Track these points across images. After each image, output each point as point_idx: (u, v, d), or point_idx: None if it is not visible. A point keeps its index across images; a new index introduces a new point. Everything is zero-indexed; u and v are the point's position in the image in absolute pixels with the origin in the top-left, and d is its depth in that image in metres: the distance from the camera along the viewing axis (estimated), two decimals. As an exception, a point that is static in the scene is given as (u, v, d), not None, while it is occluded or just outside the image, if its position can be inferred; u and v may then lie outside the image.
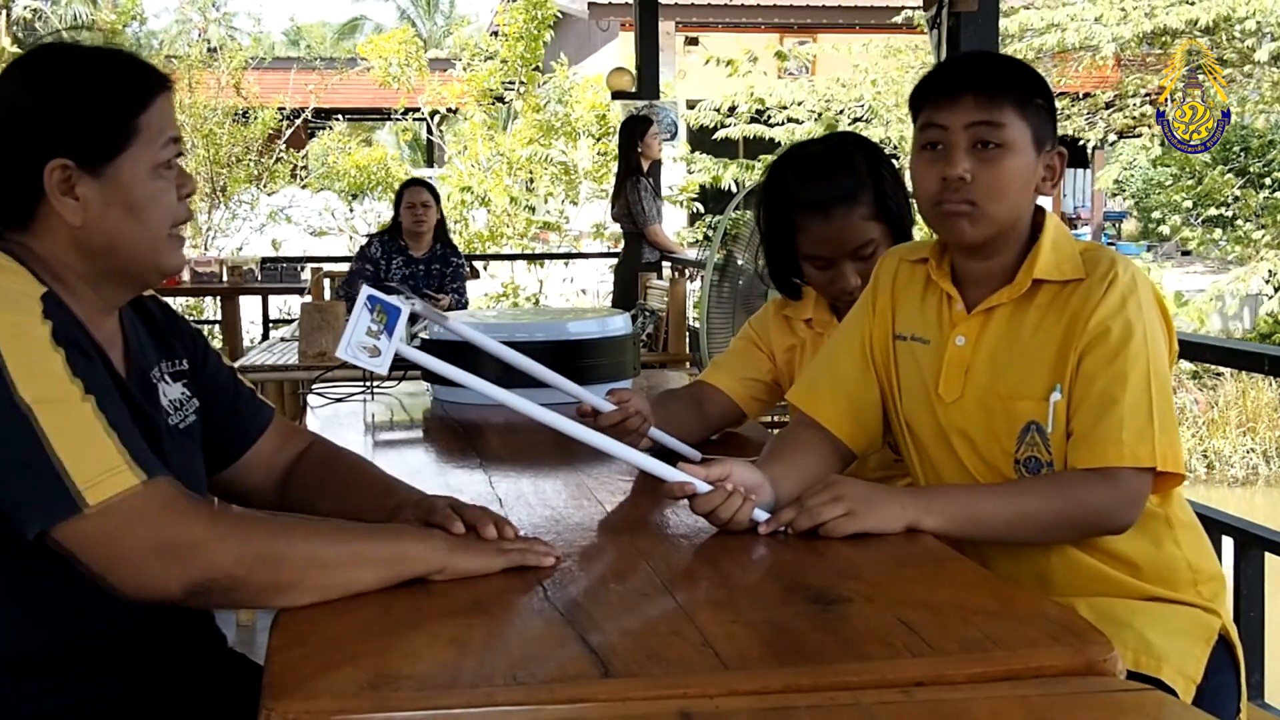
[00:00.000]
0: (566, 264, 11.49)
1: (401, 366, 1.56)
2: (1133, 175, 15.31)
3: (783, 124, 13.31)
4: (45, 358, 1.25)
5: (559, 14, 12.56)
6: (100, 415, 1.25)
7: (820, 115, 13.22)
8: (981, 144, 1.59)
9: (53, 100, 1.36)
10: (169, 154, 1.39)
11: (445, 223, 5.76)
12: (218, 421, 1.59)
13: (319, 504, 1.58)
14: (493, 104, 12.94)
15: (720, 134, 13.37)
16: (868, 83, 13.20)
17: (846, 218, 2.01)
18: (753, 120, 13.43)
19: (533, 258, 11.17)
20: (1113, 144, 14.06)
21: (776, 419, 4.05)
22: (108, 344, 1.41)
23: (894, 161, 2.13)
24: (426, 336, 2.40)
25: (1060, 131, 1.72)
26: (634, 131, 6.90)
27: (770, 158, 12.47)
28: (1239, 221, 13.24)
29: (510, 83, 12.50)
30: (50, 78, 1.37)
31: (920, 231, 2.27)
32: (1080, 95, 13.60)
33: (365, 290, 1.47)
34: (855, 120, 13.18)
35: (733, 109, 13.41)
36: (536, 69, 12.42)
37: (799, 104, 13.29)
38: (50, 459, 1.21)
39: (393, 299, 1.46)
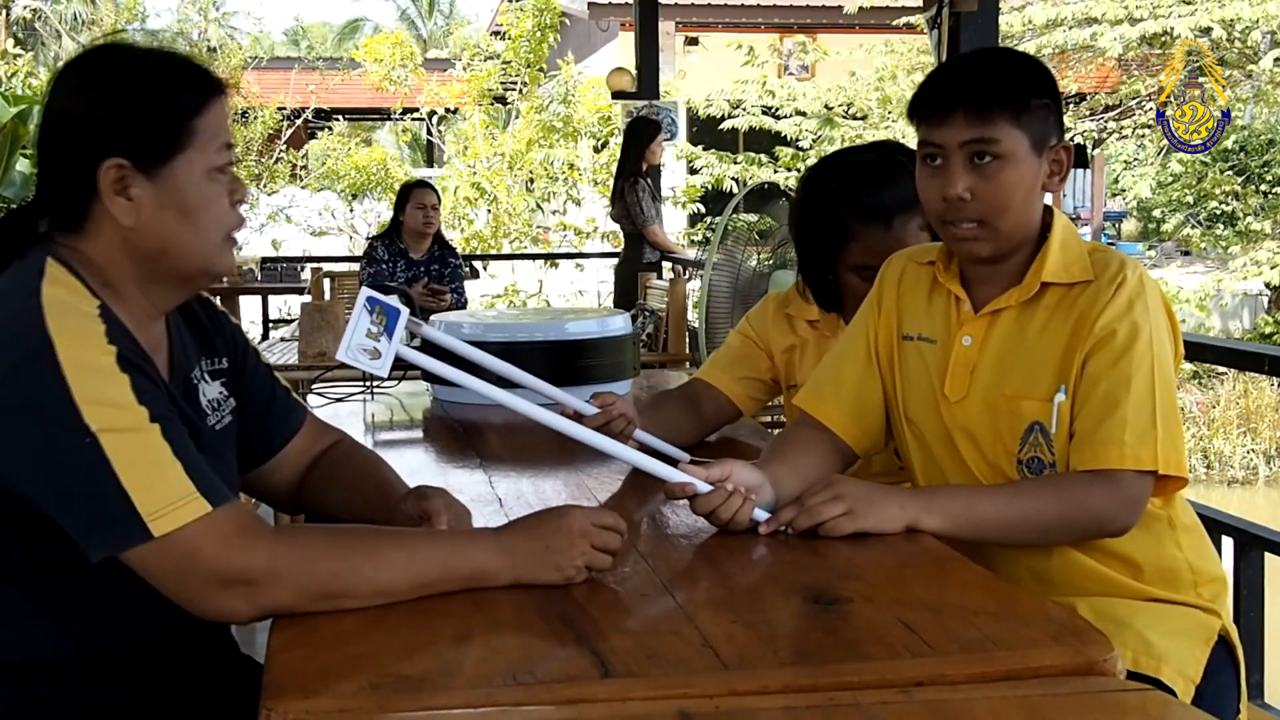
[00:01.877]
0: (580, 267, 11.50)
1: (401, 367, 1.56)
2: (1133, 175, 15.31)
3: (789, 116, 13.24)
4: (111, 385, 1.24)
5: (564, 19, 12.54)
6: (166, 442, 1.25)
7: (829, 110, 13.12)
8: (978, 156, 1.59)
9: (110, 100, 1.35)
10: (223, 159, 1.38)
11: (440, 224, 5.77)
12: (252, 421, 1.58)
13: (327, 501, 1.59)
14: (493, 104, 12.94)
15: (726, 124, 13.28)
16: (865, 82, 13.15)
17: (905, 227, 2.01)
18: (763, 113, 13.33)
19: (534, 257, 11.17)
20: (1114, 143, 14.05)
21: (776, 419, 4.06)
22: (153, 350, 1.40)
23: None
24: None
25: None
26: (642, 135, 6.89)
27: (780, 151, 12.51)
28: (1239, 215, 13.23)
29: (512, 83, 12.50)
30: (108, 78, 1.37)
31: None
32: (1080, 97, 13.57)
33: (364, 292, 1.47)
34: (860, 117, 13.13)
35: (738, 103, 13.33)
36: (540, 69, 12.43)
37: (802, 95, 13.21)
38: (118, 488, 1.21)
39: (390, 299, 1.46)
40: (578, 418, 1.83)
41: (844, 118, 12.98)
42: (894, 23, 13.13)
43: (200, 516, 1.22)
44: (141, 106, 1.35)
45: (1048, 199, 1.71)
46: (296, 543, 1.27)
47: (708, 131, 13.98)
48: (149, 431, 1.24)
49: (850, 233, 2.04)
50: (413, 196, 5.63)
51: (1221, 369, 10.06)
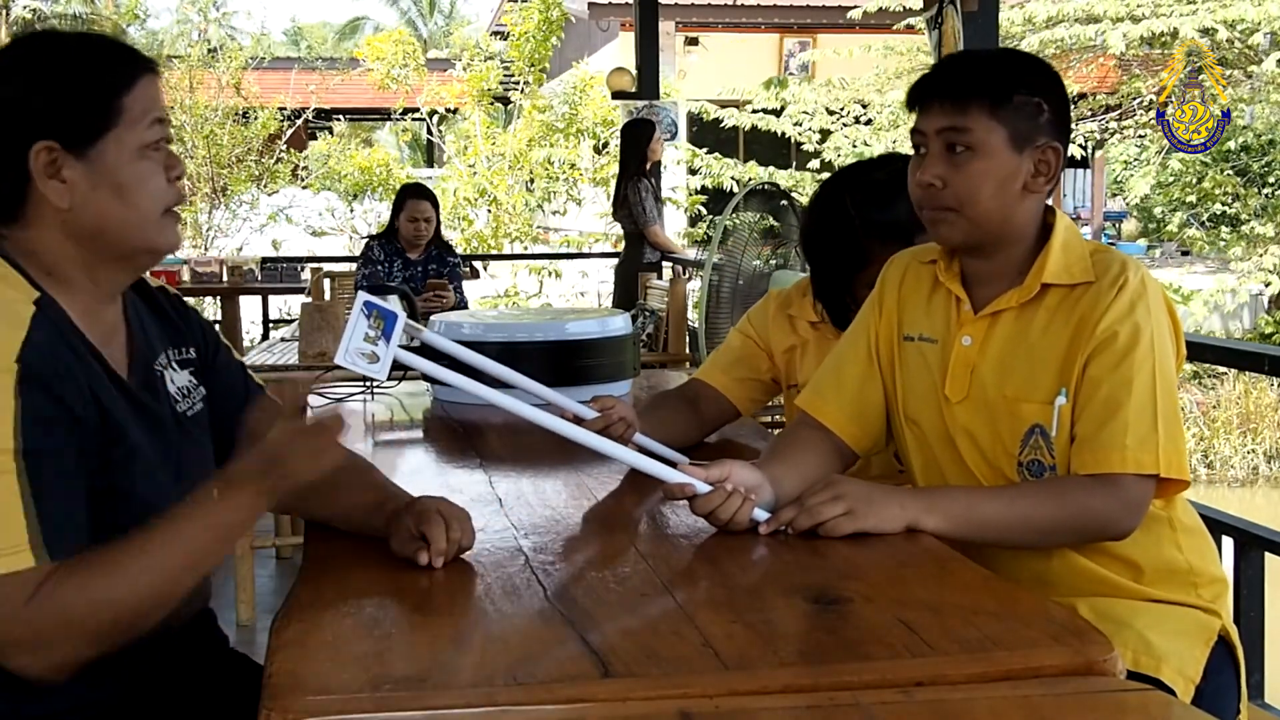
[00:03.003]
0: (585, 275, 11.49)
1: (401, 368, 1.56)
2: (1133, 176, 15.28)
3: (793, 116, 13.19)
4: None
5: (569, 18, 12.53)
6: (26, 484, 1.23)
7: (833, 114, 13.06)
8: (953, 146, 1.60)
9: (34, 84, 1.36)
10: (155, 135, 1.39)
11: (440, 225, 5.75)
12: (226, 418, 1.57)
13: (313, 505, 1.58)
14: (493, 104, 12.93)
15: (730, 123, 13.23)
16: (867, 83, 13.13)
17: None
18: (772, 113, 13.27)
19: (535, 257, 11.16)
20: (1114, 144, 14.03)
21: (776, 419, 4.06)
22: (106, 336, 1.40)
23: None
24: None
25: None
26: (640, 136, 6.90)
27: (796, 175, 12.47)
28: (1244, 217, 13.20)
29: (515, 82, 12.49)
30: (31, 63, 1.37)
31: None
32: (1080, 97, 13.55)
33: (362, 296, 1.47)
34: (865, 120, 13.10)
35: (746, 102, 13.28)
36: (543, 70, 12.42)
37: (814, 102, 13.16)
38: None
39: (388, 303, 1.46)
40: (578, 422, 1.83)
41: (856, 121, 12.93)
42: (893, 24, 13.10)
43: (20, 570, 1.21)
44: (66, 87, 1.35)
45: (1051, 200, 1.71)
46: (57, 593, 1.23)
47: (708, 131, 13.95)
48: (8, 471, 1.22)
49: (870, 254, 2.01)
50: (407, 207, 5.57)
51: (1222, 369, 10.05)
